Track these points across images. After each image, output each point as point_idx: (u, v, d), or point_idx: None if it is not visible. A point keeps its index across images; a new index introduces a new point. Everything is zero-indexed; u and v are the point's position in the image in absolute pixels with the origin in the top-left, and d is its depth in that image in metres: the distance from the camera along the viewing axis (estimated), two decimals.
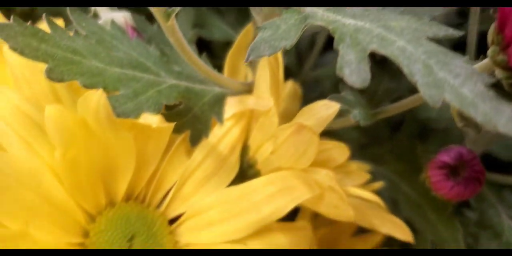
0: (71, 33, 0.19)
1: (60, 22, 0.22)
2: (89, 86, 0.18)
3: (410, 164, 0.27)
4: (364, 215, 0.23)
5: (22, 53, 0.17)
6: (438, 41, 0.16)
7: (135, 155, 0.20)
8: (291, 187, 0.20)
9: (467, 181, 0.21)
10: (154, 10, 0.18)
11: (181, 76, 0.22)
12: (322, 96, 0.22)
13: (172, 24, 0.19)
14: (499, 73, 0.17)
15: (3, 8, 0.24)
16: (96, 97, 0.17)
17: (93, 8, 0.23)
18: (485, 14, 0.22)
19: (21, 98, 0.19)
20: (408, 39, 0.15)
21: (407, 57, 0.15)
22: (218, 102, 0.22)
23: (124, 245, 0.20)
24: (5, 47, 0.20)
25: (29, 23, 0.18)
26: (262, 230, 0.21)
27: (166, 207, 0.21)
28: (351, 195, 0.21)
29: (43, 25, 0.19)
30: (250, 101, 0.22)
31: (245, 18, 0.29)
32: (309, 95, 0.30)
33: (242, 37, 0.25)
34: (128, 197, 0.21)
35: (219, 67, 0.24)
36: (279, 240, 0.22)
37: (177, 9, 0.18)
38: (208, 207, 0.21)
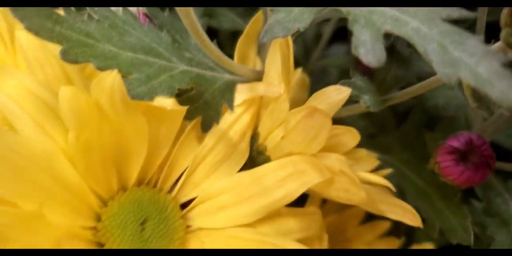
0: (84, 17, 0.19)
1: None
2: (103, 68, 0.18)
3: (417, 153, 0.27)
4: (373, 201, 0.23)
5: (37, 34, 0.17)
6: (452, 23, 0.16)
7: (147, 139, 0.20)
8: (302, 171, 0.20)
9: (477, 166, 0.21)
10: None
11: (192, 62, 0.22)
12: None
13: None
14: None
15: None
16: (111, 79, 0.17)
17: None
18: None
19: (34, 82, 0.19)
20: (422, 20, 0.16)
21: (421, 37, 0.15)
22: (228, 89, 0.23)
23: (137, 229, 0.20)
24: (18, 31, 0.20)
25: None
26: (272, 215, 0.21)
27: (178, 192, 0.22)
28: (361, 180, 0.21)
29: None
30: (260, 88, 0.22)
31: (254, 7, 0.29)
32: (316, 86, 0.30)
33: (252, 26, 0.25)
34: (140, 182, 0.21)
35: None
36: (289, 225, 0.22)
37: None
38: (219, 191, 0.21)
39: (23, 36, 0.20)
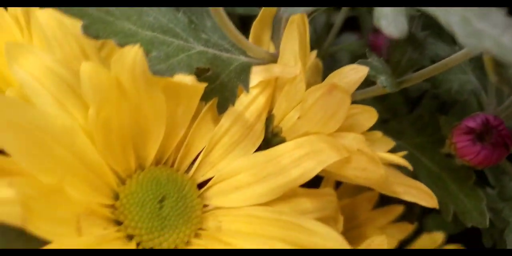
0: None
1: None
2: (123, 45, 0.18)
3: (430, 138, 0.27)
4: (388, 183, 0.23)
5: (58, 10, 0.17)
6: None
7: (165, 119, 0.20)
8: (319, 150, 0.20)
9: (494, 146, 0.21)
10: None
11: (208, 43, 0.22)
12: None
13: None
14: None
15: None
16: (133, 53, 0.17)
17: None
18: None
19: (54, 60, 0.19)
20: None
21: (444, 10, 0.15)
22: (244, 71, 0.23)
23: (155, 207, 0.20)
24: (37, 11, 0.20)
25: None
26: (288, 195, 0.22)
27: (195, 172, 0.22)
28: None
29: None
30: (276, 69, 0.22)
31: None
32: (327, 73, 0.30)
33: (267, 9, 0.25)
34: (157, 162, 0.21)
35: None
36: (305, 205, 0.22)
37: None
38: (236, 171, 0.21)
39: (42, 15, 0.20)
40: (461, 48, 0.24)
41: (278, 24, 0.26)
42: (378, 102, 0.29)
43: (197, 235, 0.21)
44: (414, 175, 0.28)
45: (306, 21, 0.22)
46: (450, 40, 0.27)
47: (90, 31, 0.18)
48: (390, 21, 0.15)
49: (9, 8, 0.23)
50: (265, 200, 0.21)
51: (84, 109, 0.19)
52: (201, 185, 0.22)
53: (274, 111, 0.23)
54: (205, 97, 0.21)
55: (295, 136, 0.22)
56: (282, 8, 0.17)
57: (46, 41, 0.20)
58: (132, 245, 0.19)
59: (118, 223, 0.20)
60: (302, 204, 0.22)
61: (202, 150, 0.22)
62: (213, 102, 0.22)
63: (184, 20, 0.22)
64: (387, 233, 0.28)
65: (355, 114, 0.21)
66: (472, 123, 0.21)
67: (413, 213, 0.29)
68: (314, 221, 0.20)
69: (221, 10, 0.20)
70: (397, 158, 0.20)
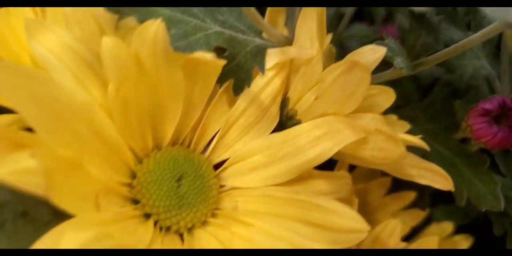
0: None
1: None
2: (142, 22, 0.18)
3: (443, 124, 0.27)
4: (401, 166, 0.23)
5: None
6: None
7: (183, 98, 0.20)
8: (336, 130, 0.20)
9: (511, 128, 0.21)
10: None
11: (225, 24, 0.22)
12: None
13: None
14: None
15: None
16: (155, 27, 0.17)
17: None
18: None
19: (73, 37, 0.19)
20: None
21: None
22: (260, 52, 0.23)
23: (173, 185, 0.20)
24: None
25: None
26: (304, 177, 0.22)
27: (210, 153, 0.22)
28: None
29: None
30: (292, 50, 0.22)
31: None
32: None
33: None
34: (173, 142, 0.21)
35: None
36: (320, 187, 0.22)
37: None
38: (252, 152, 0.21)
39: None
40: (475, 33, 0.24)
41: (292, 10, 0.26)
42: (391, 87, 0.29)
43: (213, 215, 0.21)
44: None
45: None
46: (464, 26, 0.27)
47: (111, 7, 0.18)
48: None
49: None
50: (281, 180, 0.21)
51: (102, 87, 0.19)
52: (216, 167, 0.22)
53: (289, 94, 0.23)
54: (221, 78, 0.22)
55: (311, 118, 0.22)
56: None
57: (64, 20, 0.20)
58: (149, 224, 0.19)
59: (135, 202, 0.20)
60: (318, 185, 0.22)
61: (217, 131, 0.22)
62: (229, 84, 0.22)
63: None
64: (399, 219, 0.28)
65: (373, 95, 0.21)
66: (488, 105, 0.21)
67: (424, 200, 0.29)
68: (332, 200, 0.20)
69: None
70: (415, 139, 0.20)
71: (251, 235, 0.20)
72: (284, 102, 0.23)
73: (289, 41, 0.24)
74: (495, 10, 0.15)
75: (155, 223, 0.19)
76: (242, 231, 0.20)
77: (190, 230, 0.20)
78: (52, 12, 0.21)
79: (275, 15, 0.25)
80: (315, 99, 0.21)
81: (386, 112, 0.24)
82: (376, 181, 0.28)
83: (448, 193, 0.29)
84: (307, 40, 0.23)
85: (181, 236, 0.20)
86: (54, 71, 0.18)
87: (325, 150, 0.20)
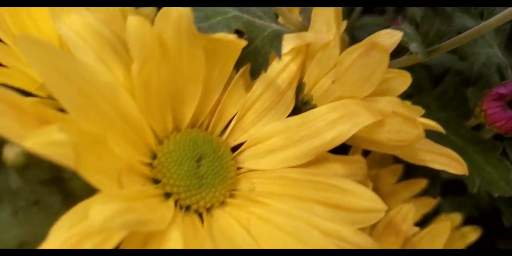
0: None
1: None
2: None
3: (454, 112, 0.28)
4: (415, 151, 0.23)
5: None
6: None
7: (202, 80, 0.20)
8: (354, 112, 0.21)
9: None
10: None
11: (242, 9, 0.23)
12: None
13: None
14: None
15: None
16: (179, 8, 0.17)
17: None
18: None
19: (96, 18, 0.19)
20: None
21: None
22: (276, 37, 0.23)
23: (193, 165, 0.20)
24: None
25: None
26: (320, 160, 0.22)
27: (228, 136, 0.22)
28: None
29: None
30: (309, 35, 0.23)
31: None
32: None
33: None
34: (192, 125, 0.22)
35: None
36: (336, 169, 0.22)
37: None
38: (269, 135, 0.22)
39: None
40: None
41: None
42: None
43: (231, 196, 0.21)
44: None
45: None
46: (477, 15, 0.27)
47: None
48: None
49: None
50: (298, 163, 0.21)
51: (125, 69, 0.19)
52: (234, 150, 0.22)
53: (305, 79, 0.24)
54: (238, 62, 0.22)
55: (327, 102, 0.22)
56: None
57: None
58: (170, 203, 0.19)
59: (156, 181, 0.20)
60: (334, 168, 0.22)
61: (234, 115, 0.22)
62: (245, 69, 0.22)
63: None
64: (411, 206, 0.28)
65: (389, 78, 0.22)
66: (503, 89, 0.21)
67: (436, 188, 0.29)
68: (349, 180, 0.20)
69: None
70: (431, 122, 0.21)
71: (269, 215, 0.20)
72: (299, 87, 0.24)
73: (304, 28, 0.24)
74: None
75: (176, 202, 0.20)
76: (260, 211, 0.20)
77: (208, 210, 0.20)
78: None
79: None
80: (332, 82, 0.21)
81: None
82: (388, 168, 0.28)
83: (457, 184, 0.30)
84: (323, 26, 0.23)
85: (200, 215, 0.20)
86: (79, 51, 0.18)
87: (343, 132, 0.21)
